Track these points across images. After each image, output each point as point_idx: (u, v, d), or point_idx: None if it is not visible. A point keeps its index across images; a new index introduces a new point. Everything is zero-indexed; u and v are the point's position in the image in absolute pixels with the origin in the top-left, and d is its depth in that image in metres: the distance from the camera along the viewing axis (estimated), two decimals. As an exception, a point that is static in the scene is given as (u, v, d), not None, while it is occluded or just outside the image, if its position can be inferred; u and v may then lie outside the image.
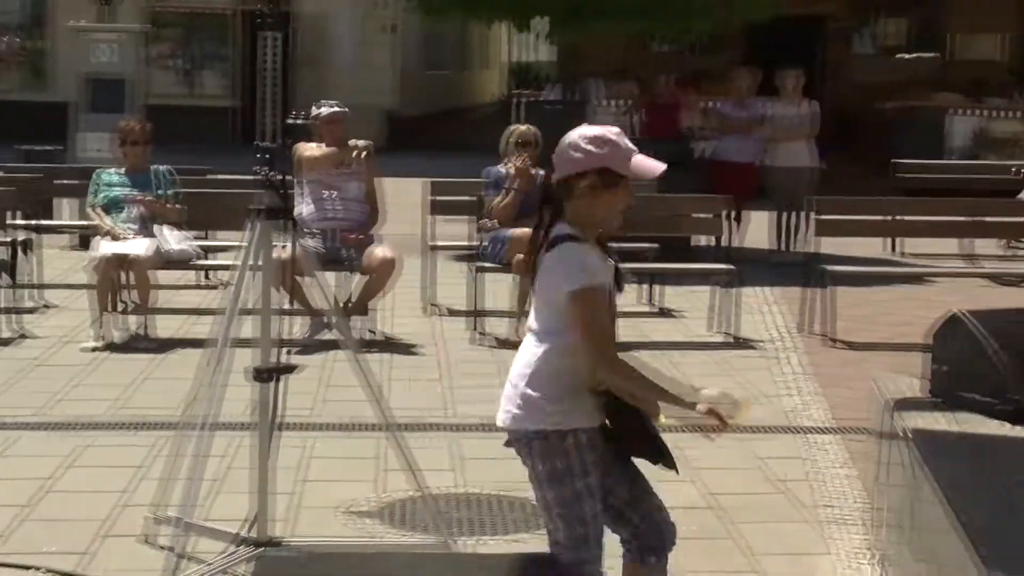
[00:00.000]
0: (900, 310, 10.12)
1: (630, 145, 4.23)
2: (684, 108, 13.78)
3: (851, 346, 9.17)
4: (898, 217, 11.58)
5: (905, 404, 5.34)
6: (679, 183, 12.23)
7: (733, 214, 12.00)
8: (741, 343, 9.26)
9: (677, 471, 4.30)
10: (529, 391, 4.24)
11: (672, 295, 10.62)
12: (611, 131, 4.27)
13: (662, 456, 4.33)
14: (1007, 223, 11.68)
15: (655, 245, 10.15)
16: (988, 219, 11.44)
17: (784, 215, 13.15)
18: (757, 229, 13.16)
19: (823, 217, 10.40)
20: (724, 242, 10.81)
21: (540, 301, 4.27)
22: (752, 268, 11.38)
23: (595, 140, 4.22)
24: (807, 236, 10.91)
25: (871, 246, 12.82)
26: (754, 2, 13.73)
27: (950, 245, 13.06)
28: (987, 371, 5.41)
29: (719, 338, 9.45)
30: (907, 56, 25.17)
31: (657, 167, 4.25)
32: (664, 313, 10.36)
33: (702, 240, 11.53)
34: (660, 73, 14.03)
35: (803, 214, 12.13)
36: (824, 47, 24.33)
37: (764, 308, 10.52)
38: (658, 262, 10.16)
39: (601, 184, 4.19)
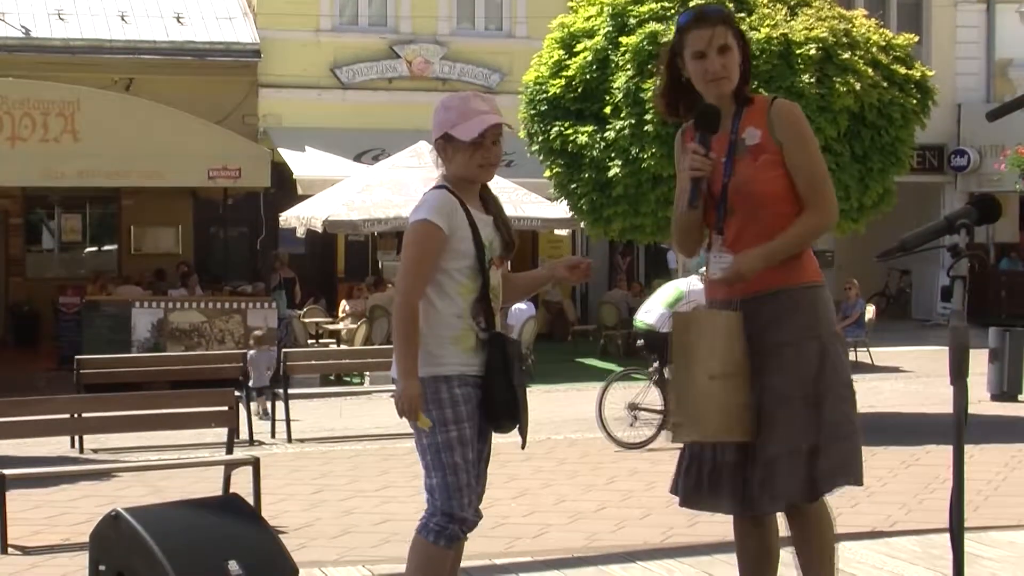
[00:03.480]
0: (82, 508, 9.96)
1: (472, 107, 4.57)
2: None
3: (27, 551, 8.85)
4: (83, 414, 11.43)
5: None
6: None
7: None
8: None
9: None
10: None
11: None
12: (457, 96, 4.70)
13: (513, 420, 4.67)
14: (191, 414, 11.72)
15: None
16: (171, 411, 11.54)
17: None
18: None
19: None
20: None
21: None
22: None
23: (442, 106, 4.63)
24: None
25: (59, 444, 12.59)
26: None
27: (146, 437, 13.06)
28: (149, 567, 5.43)
29: None
30: (90, 250, 25.34)
31: (475, 128, 4.53)
32: None
33: None
34: None
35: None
36: (5, 243, 23.98)
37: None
38: None
39: (450, 147, 4.58)
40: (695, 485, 4.74)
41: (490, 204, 4.78)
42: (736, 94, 4.70)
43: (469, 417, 4.63)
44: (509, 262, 4.91)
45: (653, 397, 12.71)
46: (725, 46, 4.63)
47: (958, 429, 3.64)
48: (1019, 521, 8.53)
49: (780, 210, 4.62)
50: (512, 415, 4.69)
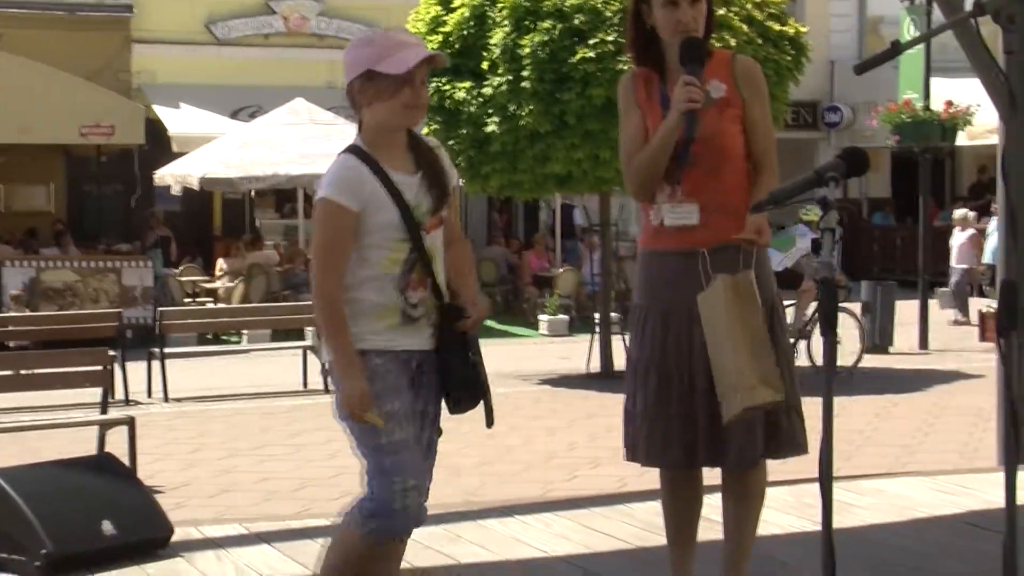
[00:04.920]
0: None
1: (400, 39, 4.04)
2: None
3: None
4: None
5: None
6: None
7: None
8: None
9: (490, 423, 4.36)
10: None
11: None
12: (374, 32, 4.16)
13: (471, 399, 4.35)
14: (65, 374, 11.47)
15: None
16: (44, 371, 11.30)
17: None
18: None
19: None
20: None
21: None
22: None
23: (357, 43, 4.06)
24: None
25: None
26: None
27: (19, 398, 12.76)
28: (19, 529, 5.36)
29: None
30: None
31: (409, 60, 3.97)
32: None
33: None
34: None
35: None
36: None
37: None
38: None
39: (372, 88, 4.00)
40: (663, 442, 4.63)
41: (421, 156, 4.17)
42: None
43: (393, 391, 4.12)
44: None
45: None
46: None
47: (828, 381, 3.69)
48: (888, 470, 8.72)
49: (740, 166, 4.64)
50: (473, 392, 4.33)
